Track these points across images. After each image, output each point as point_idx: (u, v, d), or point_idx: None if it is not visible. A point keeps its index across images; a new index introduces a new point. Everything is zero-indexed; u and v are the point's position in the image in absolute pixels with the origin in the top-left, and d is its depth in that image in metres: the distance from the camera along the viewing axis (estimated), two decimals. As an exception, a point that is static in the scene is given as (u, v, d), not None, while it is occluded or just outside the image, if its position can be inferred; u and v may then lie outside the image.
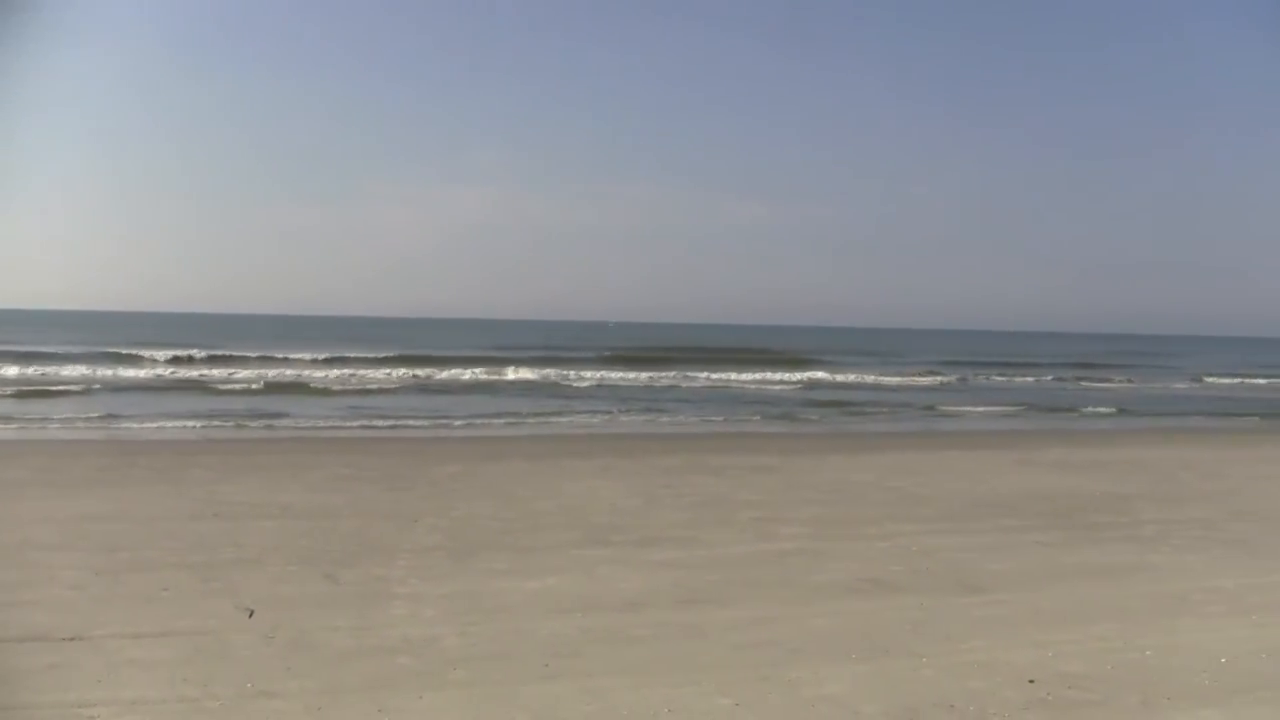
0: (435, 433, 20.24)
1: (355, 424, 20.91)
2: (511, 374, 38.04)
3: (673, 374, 39.74)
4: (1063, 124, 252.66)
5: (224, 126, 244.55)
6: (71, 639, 5.97)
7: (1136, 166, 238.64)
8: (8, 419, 19.84)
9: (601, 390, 33.24)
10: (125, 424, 19.79)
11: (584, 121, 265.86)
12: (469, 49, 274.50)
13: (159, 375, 34.45)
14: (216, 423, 20.28)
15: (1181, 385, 44.97)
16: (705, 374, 40.40)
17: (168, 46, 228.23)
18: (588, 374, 38.83)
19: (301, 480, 12.35)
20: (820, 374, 43.22)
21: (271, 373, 35.13)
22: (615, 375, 38.75)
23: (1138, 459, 16.59)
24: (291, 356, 43.09)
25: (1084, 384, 43.90)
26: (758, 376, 39.97)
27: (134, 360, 39.97)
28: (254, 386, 30.42)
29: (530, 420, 22.87)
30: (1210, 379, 48.51)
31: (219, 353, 43.88)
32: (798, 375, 41.45)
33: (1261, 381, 47.77)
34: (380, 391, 30.72)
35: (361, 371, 37.47)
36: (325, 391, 29.77)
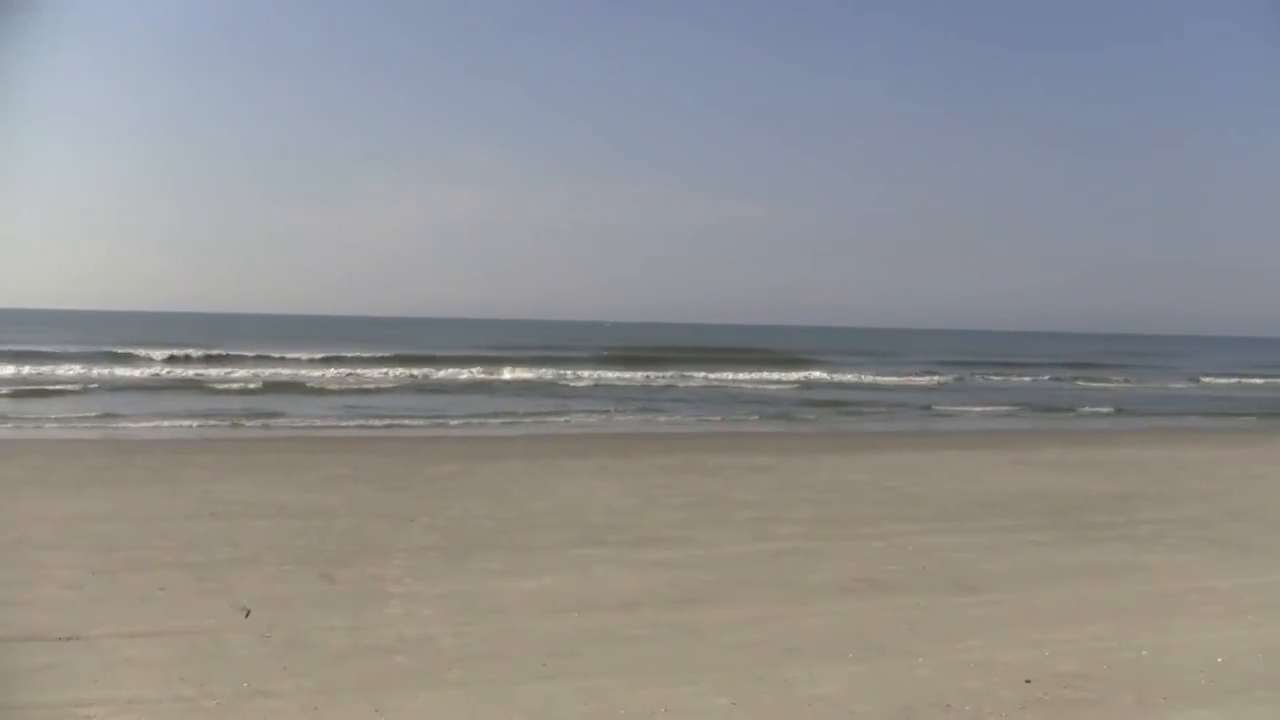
0: (431, 432, 20.24)
1: (351, 423, 20.89)
2: (508, 374, 38.03)
3: (669, 374, 39.71)
4: (1063, 124, 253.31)
5: (221, 126, 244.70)
6: (68, 638, 5.96)
7: (1136, 167, 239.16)
8: (4, 418, 19.80)
9: (598, 390, 33.21)
10: (122, 423, 19.77)
11: (581, 122, 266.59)
12: (466, 49, 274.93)
13: (155, 375, 34.38)
14: (213, 422, 20.25)
15: (1179, 385, 45.03)
16: (702, 374, 40.41)
17: (164, 47, 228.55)
18: (584, 374, 38.81)
19: (298, 480, 12.34)
20: (817, 374, 43.23)
21: (268, 372, 35.08)
22: (612, 375, 38.70)
23: (1134, 459, 16.62)
24: (288, 356, 42.95)
25: (1081, 384, 43.93)
26: (755, 376, 39.95)
27: (130, 360, 39.88)
28: (250, 386, 30.37)
29: (527, 420, 22.87)
30: (1207, 379, 48.52)
31: (215, 352, 43.80)
32: (795, 375, 41.44)
33: (1258, 381, 47.85)
34: (377, 391, 30.68)
35: (358, 371, 37.40)
36: (321, 391, 29.73)
